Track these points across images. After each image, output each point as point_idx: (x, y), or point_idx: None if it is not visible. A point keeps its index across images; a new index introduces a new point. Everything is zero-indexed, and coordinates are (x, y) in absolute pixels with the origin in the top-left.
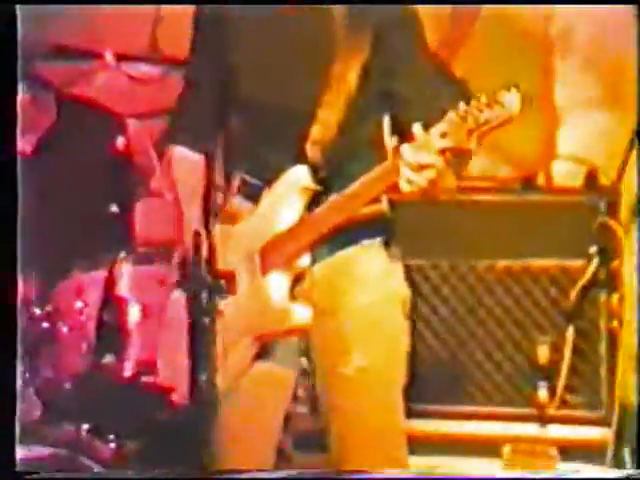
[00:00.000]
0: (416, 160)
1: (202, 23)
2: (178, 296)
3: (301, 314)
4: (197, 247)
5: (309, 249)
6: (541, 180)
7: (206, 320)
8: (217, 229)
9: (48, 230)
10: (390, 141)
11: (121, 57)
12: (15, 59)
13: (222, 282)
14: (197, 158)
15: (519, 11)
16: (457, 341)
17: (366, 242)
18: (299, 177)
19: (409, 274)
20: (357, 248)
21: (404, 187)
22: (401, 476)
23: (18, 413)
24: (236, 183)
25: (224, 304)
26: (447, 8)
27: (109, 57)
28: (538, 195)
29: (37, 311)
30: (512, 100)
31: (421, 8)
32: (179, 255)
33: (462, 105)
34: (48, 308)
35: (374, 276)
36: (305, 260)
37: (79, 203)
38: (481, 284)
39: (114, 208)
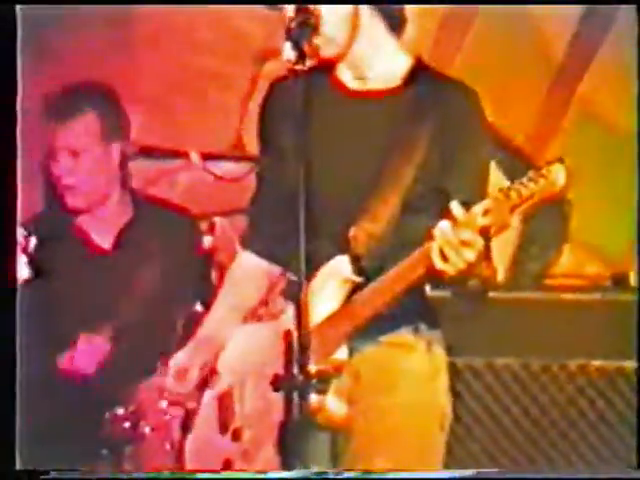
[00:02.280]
0: (456, 235)
1: (264, 118)
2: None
3: (335, 409)
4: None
5: (347, 339)
6: (633, 278)
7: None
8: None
9: (126, 329)
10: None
11: (206, 156)
12: (15, 59)
13: (314, 381)
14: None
15: None
16: None
17: (410, 336)
18: (341, 268)
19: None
20: (400, 340)
21: (438, 263)
22: (402, 476)
23: None
24: (281, 285)
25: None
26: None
27: (194, 157)
28: (629, 294)
29: (120, 411)
30: (557, 174)
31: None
32: None
33: (506, 182)
34: (131, 408)
35: (415, 378)
36: (342, 352)
37: (162, 302)
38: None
39: (198, 307)
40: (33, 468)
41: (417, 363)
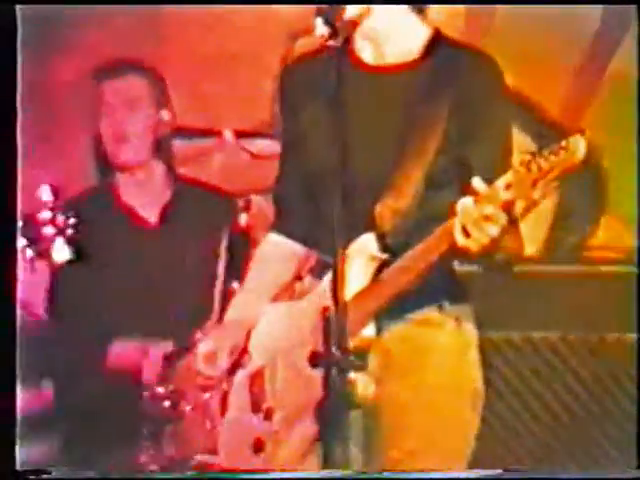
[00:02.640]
0: (479, 210)
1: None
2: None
3: (364, 387)
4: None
5: (374, 317)
6: None
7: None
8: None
9: (171, 303)
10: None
11: (240, 134)
12: (15, 59)
13: (352, 358)
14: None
15: None
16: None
17: (436, 313)
18: (367, 246)
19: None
20: (428, 318)
21: (460, 239)
22: (403, 476)
23: None
24: (310, 264)
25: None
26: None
27: (228, 135)
28: None
29: (160, 390)
30: (578, 145)
31: None
32: None
33: (527, 155)
34: (170, 387)
35: (445, 355)
36: (370, 330)
37: (201, 278)
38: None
39: (235, 284)
40: (33, 468)
41: (446, 340)
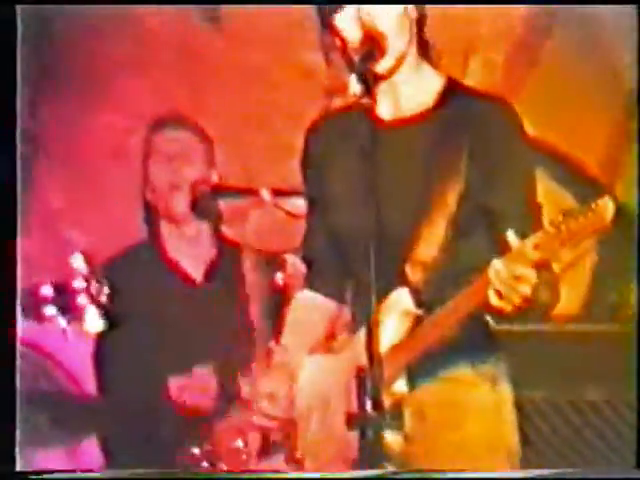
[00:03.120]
0: (509, 271)
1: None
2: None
3: (393, 443)
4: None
5: (405, 372)
6: None
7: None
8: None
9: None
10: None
11: (277, 192)
12: (15, 59)
13: (387, 418)
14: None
15: None
16: None
17: (469, 371)
18: (401, 300)
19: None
20: (462, 375)
21: (494, 301)
22: (405, 476)
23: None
24: (344, 318)
25: None
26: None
27: (265, 194)
28: None
29: (196, 451)
30: (606, 207)
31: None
32: None
33: (559, 216)
34: (207, 447)
35: (480, 413)
36: (402, 385)
37: (239, 339)
38: None
39: (272, 344)
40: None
41: (480, 397)
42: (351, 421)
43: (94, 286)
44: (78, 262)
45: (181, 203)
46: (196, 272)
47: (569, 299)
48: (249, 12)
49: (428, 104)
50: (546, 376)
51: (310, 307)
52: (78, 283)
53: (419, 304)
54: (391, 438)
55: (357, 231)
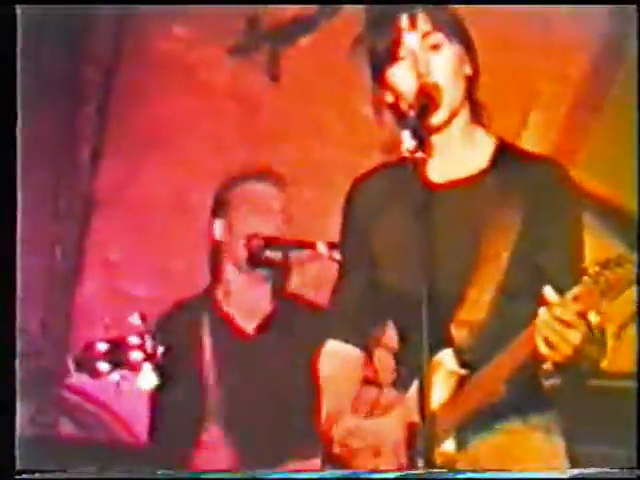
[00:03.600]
0: (557, 318)
1: (348, 212)
2: None
3: None
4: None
5: (455, 431)
6: None
7: None
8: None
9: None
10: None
11: (332, 245)
12: (15, 59)
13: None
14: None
15: None
16: None
17: (520, 425)
18: (445, 361)
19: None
20: (513, 428)
21: (543, 349)
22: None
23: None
24: (391, 376)
25: None
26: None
27: (321, 247)
28: None
29: None
30: None
31: None
32: None
33: (595, 267)
34: None
35: (533, 462)
36: (450, 445)
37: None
38: None
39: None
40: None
41: (534, 447)
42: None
43: (149, 343)
44: (133, 318)
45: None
46: (249, 325)
47: (621, 355)
48: (308, 69)
49: (480, 166)
50: (600, 431)
51: (339, 356)
52: (133, 340)
53: (463, 365)
54: None
55: (407, 290)
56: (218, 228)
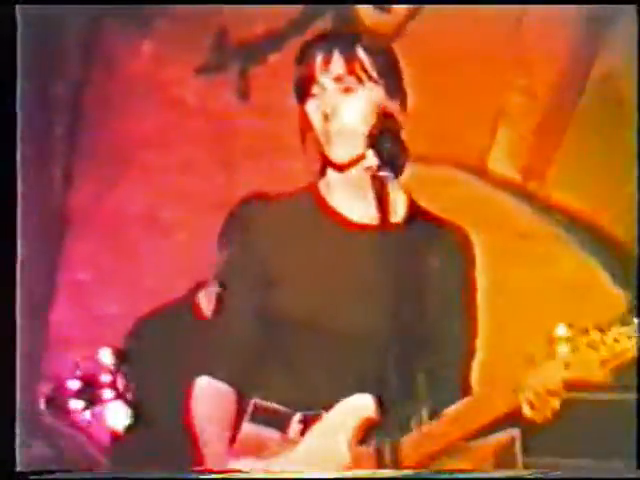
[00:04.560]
0: (543, 386)
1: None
2: None
3: None
4: None
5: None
6: None
7: None
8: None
9: None
10: None
11: None
12: (15, 59)
13: None
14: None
15: None
16: None
17: None
18: (361, 407)
19: None
20: None
21: (526, 411)
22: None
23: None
24: (250, 409)
25: None
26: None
27: None
28: None
29: None
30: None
31: None
32: None
33: (594, 333)
34: None
35: None
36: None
37: None
38: None
39: None
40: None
41: None
42: None
43: (120, 381)
44: (104, 356)
45: None
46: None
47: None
48: (278, 85)
49: (393, 219)
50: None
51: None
52: (104, 378)
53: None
54: None
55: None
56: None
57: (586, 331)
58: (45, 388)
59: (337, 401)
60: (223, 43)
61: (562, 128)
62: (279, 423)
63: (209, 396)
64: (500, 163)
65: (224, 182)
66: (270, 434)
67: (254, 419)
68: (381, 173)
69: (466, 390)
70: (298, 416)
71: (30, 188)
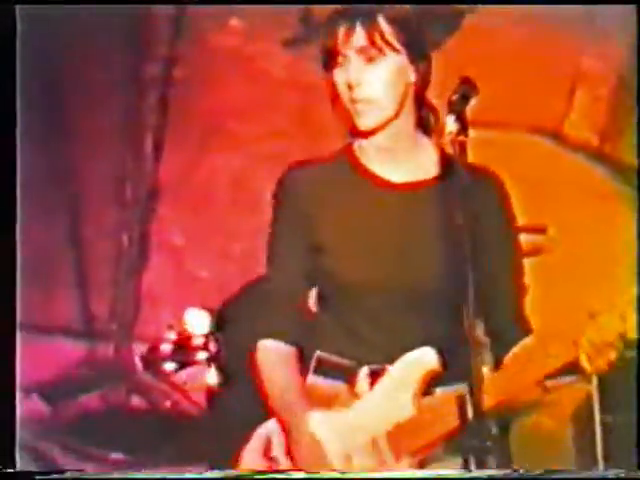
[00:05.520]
0: (599, 337)
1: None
2: None
3: None
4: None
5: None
6: None
7: None
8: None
9: None
10: None
11: None
12: (15, 59)
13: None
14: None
15: None
16: None
17: None
18: (424, 359)
19: None
20: None
21: (585, 364)
22: (402, 476)
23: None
24: (313, 362)
25: None
26: None
27: None
28: None
29: None
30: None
31: None
32: None
33: None
34: None
35: None
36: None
37: None
38: None
39: None
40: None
41: None
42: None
43: (212, 344)
44: (196, 319)
45: None
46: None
47: None
48: None
49: (429, 174)
50: None
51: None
52: (197, 340)
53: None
54: None
55: (355, 280)
56: None
57: None
58: (140, 349)
59: (399, 356)
60: (308, 17)
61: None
62: (344, 376)
63: (275, 355)
64: (577, 127)
65: (310, 148)
66: (336, 386)
67: (318, 372)
68: (460, 138)
69: (526, 327)
70: (365, 370)
71: (123, 158)
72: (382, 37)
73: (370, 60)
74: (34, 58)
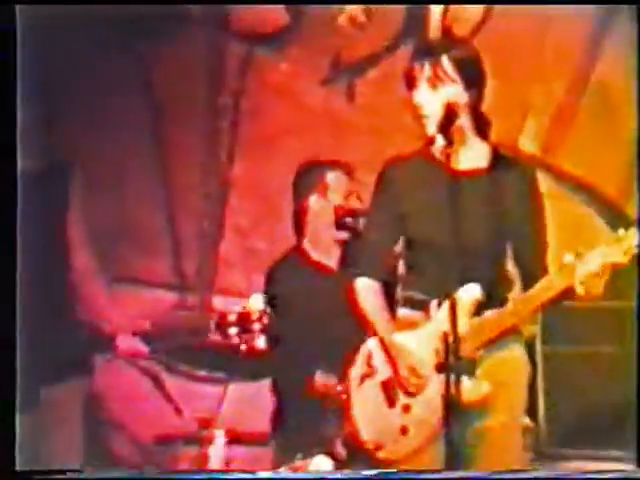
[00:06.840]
0: (599, 266)
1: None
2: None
3: (471, 389)
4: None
5: (482, 349)
6: None
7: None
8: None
9: None
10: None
11: None
12: (15, 59)
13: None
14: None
15: None
16: None
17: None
18: (471, 292)
19: None
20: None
21: (580, 291)
22: (400, 476)
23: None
24: (401, 300)
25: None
26: None
27: None
28: None
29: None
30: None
31: None
32: None
33: (622, 232)
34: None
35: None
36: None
37: None
38: None
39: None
40: (33, 468)
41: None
42: (440, 368)
43: (265, 318)
44: (255, 300)
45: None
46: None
47: None
48: (375, 92)
49: (481, 164)
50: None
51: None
52: (255, 315)
53: (489, 297)
54: (468, 383)
55: (436, 242)
56: (314, 200)
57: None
58: (218, 300)
59: (455, 291)
60: (337, 63)
61: (572, 116)
62: (420, 306)
63: (368, 289)
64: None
65: (337, 155)
66: (415, 314)
67: (404, 305)
68: (446, 150)
69: (545, 270)
70: (435, 301)
71: (203, 168)
72: (443, 71)
73: (433, 87)
74: (34, 58)
